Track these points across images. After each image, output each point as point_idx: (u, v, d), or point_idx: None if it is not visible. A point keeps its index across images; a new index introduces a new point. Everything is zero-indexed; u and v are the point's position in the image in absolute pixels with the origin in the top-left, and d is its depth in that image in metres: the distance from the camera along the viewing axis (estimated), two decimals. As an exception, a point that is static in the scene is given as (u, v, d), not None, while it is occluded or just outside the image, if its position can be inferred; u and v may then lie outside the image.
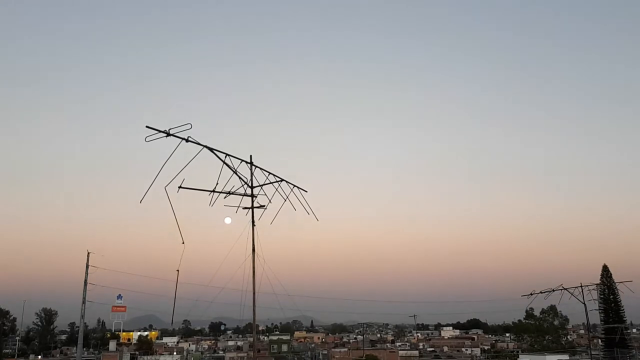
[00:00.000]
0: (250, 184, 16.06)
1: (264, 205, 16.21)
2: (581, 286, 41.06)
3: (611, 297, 49.83)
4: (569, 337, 77.65)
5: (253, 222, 15.96)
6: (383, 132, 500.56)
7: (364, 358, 70.22)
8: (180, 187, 13.74)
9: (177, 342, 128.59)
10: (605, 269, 50.77)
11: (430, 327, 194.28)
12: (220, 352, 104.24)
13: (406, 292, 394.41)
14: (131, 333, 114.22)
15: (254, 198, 16.14)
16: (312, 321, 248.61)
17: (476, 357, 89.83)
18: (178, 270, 14.54)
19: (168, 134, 12.64)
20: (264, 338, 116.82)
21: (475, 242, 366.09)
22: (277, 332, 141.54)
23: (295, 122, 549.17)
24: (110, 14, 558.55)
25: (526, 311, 68.87)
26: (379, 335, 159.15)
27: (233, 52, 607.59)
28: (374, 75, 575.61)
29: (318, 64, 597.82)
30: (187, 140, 13.05)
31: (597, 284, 45.01)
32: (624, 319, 50.89)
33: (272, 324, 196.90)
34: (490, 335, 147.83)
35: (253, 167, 15.98)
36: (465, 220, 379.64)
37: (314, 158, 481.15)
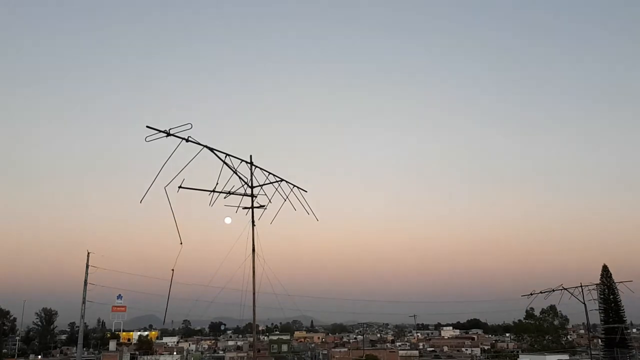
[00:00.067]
0: (250, 184, 16.06)
1: (264, 205, 16.22)
2: (581, 286, 41.06)
3: (611, 297, 49.82)
4: (569, 337, 77.65)
5: (253, 222, 15.96)
6: (383, 132, 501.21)
7: (364, 358, 70.23)
8: (180, 187, 13.74)
9: (177, 342, 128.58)
10: (605, 269, 50.77)
11: (430, 327, 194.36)
12: (220, 352, 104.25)
13: (406, 292, 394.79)
14: (131, 333, 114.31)
15: (254, 198, 16.14)
16: (312, 321, 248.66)
17: (476, 357, 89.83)
18: (173, 270, 14.51)
19: (168, 134, 12.64)
20: (264, 338, 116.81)
21: (475, 242, 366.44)
22: (277, 332, 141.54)
23: (295, 122, 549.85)
24: (110, 14, 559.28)
25: (526, 311, 68.96)
26: (379, 335, 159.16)
27: (233, 52, 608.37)
28: (374, 75, 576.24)
29: (318, 64, 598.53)
30: (187, 140, 13.04)
31: (597, 284, 44.98)
32: (624, 319, 50.87)
33: (272, 324, 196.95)
34: (490, 335, 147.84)
35: (253, 167, 15.98)
36: (465, 220, 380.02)
37: (314, 158, 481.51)
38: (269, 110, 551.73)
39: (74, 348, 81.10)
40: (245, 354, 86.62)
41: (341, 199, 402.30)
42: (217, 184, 14.95)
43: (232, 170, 15.09)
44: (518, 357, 58.78)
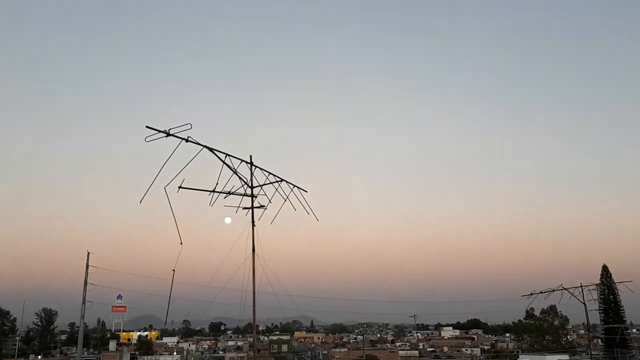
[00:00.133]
0: (250, 184, 16.07)
1: (264, 205, 16.24)
2: (581, 286, 41.08)
3: (611, 297, 49.83)
4: (569, 337, 77.68)
5: (253, 222, 15.97)
6: (383, 132, 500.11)
7: (364, 358, 70.24)
8: (180, 187, 13.76)
9: (177, 342, 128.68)
10: (605, 269, 50.80)
11: (430, 327, 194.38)
12: (220, 352, 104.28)
13: (406, 292, 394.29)
14: (131, 333, 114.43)
15: (254, 198, 16.16)
16: (312, 321, 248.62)
17: (476, 357, 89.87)
18: (174, 270, 14.55)
19: (168, 134, 12.65)
20: (264, 338, 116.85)
21: (475, 242, 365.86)
22: (277, 332, 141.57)
23: (295, 122, 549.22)
24: (110, 14, 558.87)
25: (526, 311, 68.96)
26: (379, 335, 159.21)
27: (233, 52, 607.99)
28: (374, 75, 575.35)
29: (318, 64, 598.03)
30: (187, 140, 13.06)
31: (597, 284, 45.01)
32: (624, 319, 50.88)
33: (272, 324, 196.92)
34: (490, 335, 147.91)
35: (253, 167, 16.00)
36: (465, 220, 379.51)
37: (314, 158, 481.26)
38: (269, 110, 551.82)
39: (74, 348, 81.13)
40: (245, 354, 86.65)
41: (341, 199, 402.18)
42: (217, 184, 14.99)
43: (232, 171, 15.12)
44: (518, 357, 58.76)
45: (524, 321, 72.52)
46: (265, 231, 15.96)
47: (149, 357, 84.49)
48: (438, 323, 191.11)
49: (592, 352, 48.40)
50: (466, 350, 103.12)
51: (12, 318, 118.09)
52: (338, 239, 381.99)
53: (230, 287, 16.56)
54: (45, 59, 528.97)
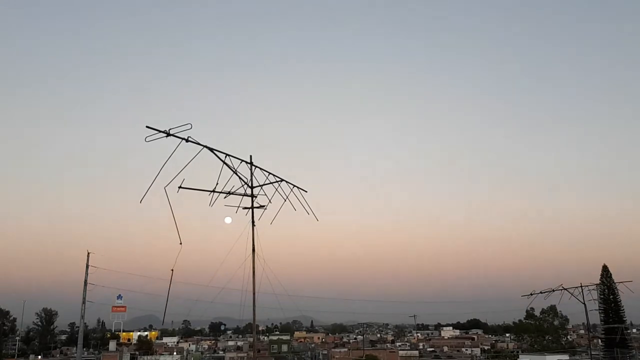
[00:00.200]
0: (250, 184, 16.07)
1: (264, 205, 16.23)
2: (581, 286, 41.09)
3: (611, 297, 49.85)
4: (569, 337, 77.68)
5: (253, 222, 15.97)
6: (383, 132, 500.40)
7: (364, 358, 70.23)
8: (180, 187, 13.75)
9: (177, 342, 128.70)
10: (605, 269, 50.83)
11: (430, 327, 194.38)
12: (220, 352, 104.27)
13: (406, 292, 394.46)
14: (131, 333, 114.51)
15: (254, 198, 16.16)
16: (312, 321, 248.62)
17: (476, 357, 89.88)
18: (172, 270, 14.54)
19: (168, 134, 12.65)
20: (264, 338, 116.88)
21: (475, 242, 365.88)
22: (277, 332, 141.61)
23: (296, 122, 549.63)
24: (110, 14, 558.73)
25: (526, 311, 68.97)
26: (379, 335, 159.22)
27: (233, 52, 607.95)
28: (375, 75, 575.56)
29: (318, 64, 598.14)
30: (187, 140, 13.06)
31: (597, 284, 45.05)
32: (624, 319, 50.92)
33: (272, 324, 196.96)
34: (490, 335, 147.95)
35: (253, 167, 15.99)
36: (465, 220, 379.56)
37: (314, 158, 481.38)
38: (269, 110, 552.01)
39: (74, 348, 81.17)
40: (245, 354, 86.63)
41: (341, 199, 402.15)
42: (217, 184, 14.98)
43: (232, 171, 15.12)
44: (518, 357, 58.78)
45: (524, 321, 72.55)
46: (265, 231, 15.98)
47: (149, 357, 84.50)
48: (438, 323, 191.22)
49: (592, 352, 48.39)
50: (466, 350, 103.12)
51: (12, 318, 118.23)
52: (338, 239, 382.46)
53: (230, 287, 16.57)
54: (45, 59, 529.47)
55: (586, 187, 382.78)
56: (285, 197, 16.28)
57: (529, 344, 69.66)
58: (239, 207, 16.05)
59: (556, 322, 69.80)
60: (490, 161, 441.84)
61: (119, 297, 77.51)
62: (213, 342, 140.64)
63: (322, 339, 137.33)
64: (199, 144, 13.45)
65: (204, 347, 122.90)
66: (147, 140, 12.39)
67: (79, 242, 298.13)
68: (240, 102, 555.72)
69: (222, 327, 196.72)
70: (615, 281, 49.17)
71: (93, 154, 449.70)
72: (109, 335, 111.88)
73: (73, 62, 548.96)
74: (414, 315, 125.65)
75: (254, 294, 15.36)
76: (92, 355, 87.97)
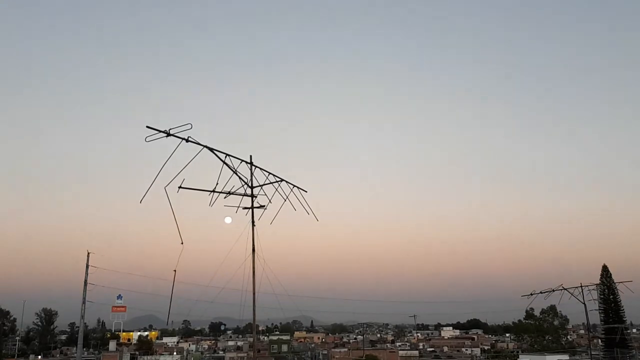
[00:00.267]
0: (250, 184, 16.07)
1: (264, 205, 16.23)
2: (581, 286, 41.08)
3: (611, 297, 49.83)
4: (569, 337, 77.66)
5: (253, 222, 15.97)
6: (383, 132, 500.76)
7: (364, 358, 70.21)
8: (180, 187, 13.75)
9: (177, 342, 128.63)
10: (605, 269, 50.80)
11: (430, 327, 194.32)
12: (220, 352, 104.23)
13: (406, 292, 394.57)
14: (131, 333, 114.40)
15: (254, 198, 16.16)
16: (312, 321, 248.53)
17: (476, 357, 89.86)
18: (175, 271, 14.56)
19: (168, 134, 12.65)
20: (264, 338, 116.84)
21: (475, 242, 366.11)
22: (277, 332, 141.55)
23: (296, 122, 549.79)
24: (110, 14, 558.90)
25: (526, 311, 68.95)
26: (379, 335, 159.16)
27: (233, 52, 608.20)
28: (375, 75, 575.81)
29: (318, 64, 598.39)
30: (187, 140, 13.06)
31: (597, 284, 45.05)
32: (624, 319, 50.90)
33: (272, 324, 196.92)
34: (490, 335, 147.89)
35: (253, 167, 15.99)
36: (465, 220, 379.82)
37: (314, 158, 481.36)
38: (269, 110, 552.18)
39: (74, 348, 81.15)
40: (245, 354, 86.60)
41: (341, 199, 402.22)
42: (217, 184, 14.98)
43: (232, 171, 15.11)
44: (518, 357, 58.77)
45: (524, 321, 72.50)
46: (265, 231, 15.98)
47: (149, 357, 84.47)
48: (438, 323, 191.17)
49: (592, 352, 48.39)
50: (466, 350, 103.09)
51: (12, 318, 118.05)
52: (338, 239, 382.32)
53: (230, 287, 16.57)
54: (46, 59, 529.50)
55: (586, 187, 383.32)
56: (285, 197, 16.29)
57: (529, 344, 69.63)
58: (239, 207, 16.06)
59: (556, 322, 69.78)
60: (491, 161, 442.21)
61: (119, 297, 77.50)
62: (213, 342, 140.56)
63: (322, 339, 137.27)
64: (199, 144, 13.45)
65: (204, 347, 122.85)
66: (147, 140, 12.40)
67: (79, 242, 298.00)
68: (240, 102, 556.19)
69: (222, 327, 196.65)
70: (615, 281, 49.20)
71: (93, 154, 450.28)
72: (109, 335, 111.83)
73: (73, 62, 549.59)
74: (414, 315, 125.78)
75: (254, 294, 15.36)
76: (92, 355, 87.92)
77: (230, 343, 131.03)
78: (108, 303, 76.39)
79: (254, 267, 15.50)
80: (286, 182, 16.33)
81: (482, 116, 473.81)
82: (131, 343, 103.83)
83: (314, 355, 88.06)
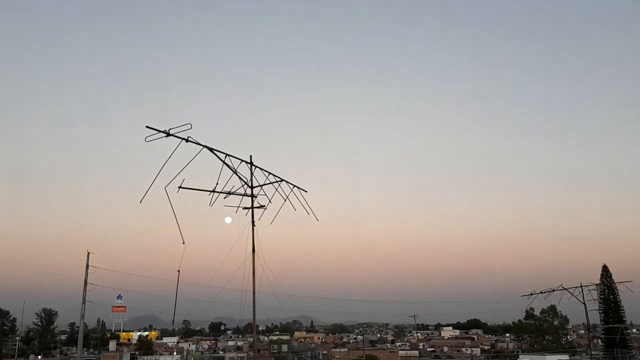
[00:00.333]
0: (250, 184, 16.07)
1: (264, 205, 16.24)
2: (581, 286, 41.08)
3: (611, 297, 49.84)
4: (569, 337, 77.70)
5: (253, 222, 15.97)
6: (383, 132, 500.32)
7: (364, 358, 70.22)
8: (180, 187, 13.76)
9: (177, 342, 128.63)
10: (605, 269, 50.81)
11: (430, 327, 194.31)
12: (220, 352, 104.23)
13: (406, 292, 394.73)
14: (131, 333, 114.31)
15: (254, 198, 16.16)
16: (312, 321, 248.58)
17: (476, 357, 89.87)
18: (179, 271, 14.59)
19: (168, 134, 12.66)
20: (264, 338, 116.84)
21: (475, 242, 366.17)
22: (277, 332, 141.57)
23: (296, 122, 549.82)
24: (110, 14, 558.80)
25: (526, 311, 69.00)
26: (379, 335, 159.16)
27: (233, 52, 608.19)
28: (374, 74, 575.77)
29: (318, 64, 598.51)
30: (187, 140, 13.06)
31: (597, 284, 45.05)
32: (624, 319, 50.90)
33: (272, 324, 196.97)
34: (490, 335, 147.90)
35: (253, 167, 16.00)
36: (465, 220, 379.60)
37: (314, 158, 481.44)
38: (269, 110, 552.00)
39: (74, 348, 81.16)
40: (245, 354, 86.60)
41: (341, 199, 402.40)
42: (217, 184, 14.99)
43: (232, 171, 15.12)
44: (518, 357, 58.78)
45: (524, 321, 72.53)
46: (265, 231, 15.98)
47: (149, 357, 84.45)
48: (438, 323, 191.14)
49: (592, 352, 48.41)
50: (466, 350, 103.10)
51: (12, 318, 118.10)
52: (338, 239, 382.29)
53: (230, 287, 16.58)
54: (45, 59, 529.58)
55: (586, 187, 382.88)
56: (285, 197, 16.30)
57: (529, 344, 69.65)
58: (239, 207, 16.07)
59: (556, 322, 69.80)
60: (490, 161, 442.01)
61: (119, 297, 77.40)
62: (213, 342, 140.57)
63: (322, 339, 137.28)
64: (199, 144, 13.45)
65: (204, 347, 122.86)
66: (147, 140, 12.41)
67: (79, 242, 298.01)
68: (240, 102, 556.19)
69: (222, 327, 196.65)
70: (615, 281, 49.21)
71: (93, 153, 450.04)
72: (109, 335, 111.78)
73: (73, 62, 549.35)
74: (414, 315, 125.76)
75: (254, 294, 15.36)
76: (92, 355, 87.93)
77: (230, 343, 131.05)
78: (108, 303, 76.35)
79: (254, 267, 15.50)
80: (286, 182, 16.34)
81: (482, 116, 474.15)
82: (131, 343, 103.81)
83: (314, 355, 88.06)
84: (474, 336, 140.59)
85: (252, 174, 16.03)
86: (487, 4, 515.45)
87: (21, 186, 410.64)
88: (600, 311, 49.03)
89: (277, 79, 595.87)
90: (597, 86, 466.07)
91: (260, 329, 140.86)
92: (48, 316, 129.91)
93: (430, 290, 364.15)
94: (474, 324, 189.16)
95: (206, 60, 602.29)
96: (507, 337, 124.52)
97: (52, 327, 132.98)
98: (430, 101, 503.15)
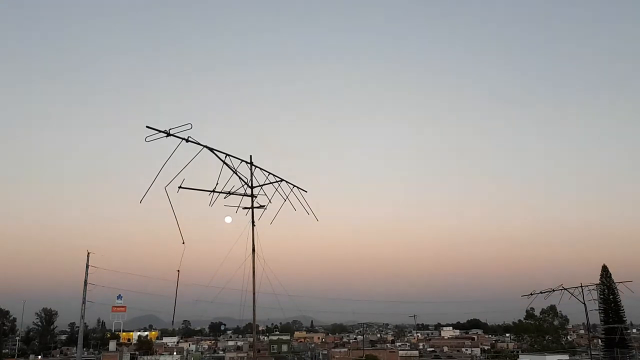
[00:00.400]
0: (250, 184, 16.07)
1: (264, 205, 16.23)
2: (581, 286, 41.07)
3: (611, 297, 49.84)
4: (569, 337, 77.73)
5: (253, 222, 15.96)
6: (383, 132, 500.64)
7: (364, 358, 70.22)
8: (180, 187, 13.75)
9: (177, 342, 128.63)
10: (604, 269, 50.80)
11: (430, 327, 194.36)
12: (220, 352, 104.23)
13: (406, 292, 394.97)
14: (131, 333, 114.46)
15: (254, 198, 16.16)
16: (312, 321, 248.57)
17: (476, 357, 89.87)
18: (179, 271, 14.59)
19: (168, 134, 12.65)
20: (264, 338, 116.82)
21: (475, 242, 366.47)
22: (277, 332, 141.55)
23: (295, 122, 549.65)
24: (110, 14, 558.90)
25: (526, 311, 68.98)
26: (379, 335, 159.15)
27: (233, 51, 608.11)
28: (374, 74, 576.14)
29: (317, 64, 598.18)
30: (187, 140, 13.06)
31: (597, 284, 45.06)
32: (624, 319, 50.89)
33: (272, 324, 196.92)
34: (490, 335, 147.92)
35: (253, 167, 15.99)
36: (465, 220, 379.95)
37: (314, 158, 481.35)
38: (269, 110, 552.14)
39: (74, 348, 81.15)
40: (245, 354, 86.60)
41: (341, 199, 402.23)
42: (217, 184, 14.98)
43: (232, 171, 15.11)
44: (518, 357, 58.79)
45: (524, 321, 72.53)
46: (265, 231, 15.98)
47: (149, 357, 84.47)
48: (438, 323, 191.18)
49: (592, 352, 48.40)
50: (466, 350, 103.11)
51: (12, 318, 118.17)
52: (338, 239, 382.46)
53: (230, 287, 16.58)
54: (45, 59, 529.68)
55: (586, 187, 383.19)
56: (285, 197, 16.29)
57: (529, 344, 69.65)
58: (239, 207, 16.06)
59: (556, 322, 69.81)
60: (491, 162, 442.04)
61: (119, 297, 77.59)
62: (213, 342, 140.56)
63: (322, 339, 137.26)
64: (199, 144, 13.45)
65: (204, 347, 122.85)
66: (147, 140, 12.41)
67: (79, 242, 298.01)
68: (240, 102, 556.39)
69: (222, 327, 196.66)
70: (615, 281, 49.18)
71: (93, 153, 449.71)
72: (109, 335, 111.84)
73: (74, 62, 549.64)
74: (414, 315, 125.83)
75: (254, 294, 15.36)
76: (92, 355, 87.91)
77: (230, 343, 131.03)
78: (108, 303, 76.53)
79: (254, 267, 15.50)
80: (286, 182, 16.34)
81: (482, 115, 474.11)
82: (131, 343, 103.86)
83: (314, 355, 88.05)
84: (474, 336, 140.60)
85: (252, 174, 16.03)
86: (488, 4, 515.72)
87: (21, 186, 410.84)
88: (600, 311, 49.03)
89: (278, 79, 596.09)
90: (597, 86, 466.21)
91: (260, 329, 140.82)
92: (48, 316, 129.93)
93: (430, 290, 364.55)
94: (474, 324, 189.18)
95: (206, 60, 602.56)
96: (507, 337, 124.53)
97: (52, 327, 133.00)
98: (431, 101, 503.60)
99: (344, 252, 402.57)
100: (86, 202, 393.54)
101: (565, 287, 41.47)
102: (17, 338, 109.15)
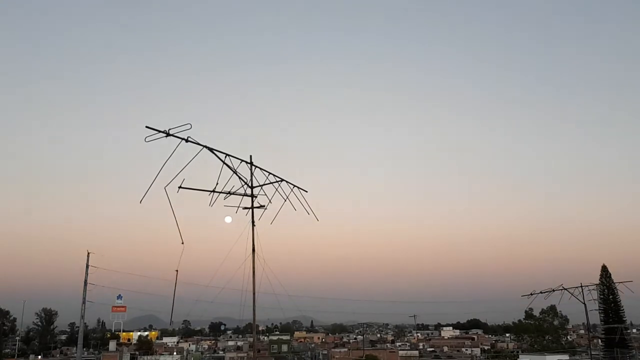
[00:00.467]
0: (250, 184, 16.06)
1: (264, 205, 16.22)
2: (581, 286, 41.07)
3: (611, 297, 49.84)
4: (569, 337, 77.69)
5: (253, 222, 15.96)
6: (383, 132, 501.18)
7: (364, 358, 70.22)
8: (180, 187, 13.74)
9: (177, 342, 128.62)
10: (604, 269, 50.81)
11: (430, 327, 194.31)
12: (220, 352, 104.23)
13: (406, 292, 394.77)
14: (131, 333, 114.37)
15: (254, 198, 16.15)
16: (312, 321, 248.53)
17: (476, 357, 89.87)
18: (177, 271, 14.59)
19: (168, 134, 12.64)
20: (264, 338, 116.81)
21: (475, 242, 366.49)
22: (277, 332, 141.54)
23: (296, 122, 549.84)
24: (110, 14, 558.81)
25: (526, 311, 68.96)
26: (379, 335, 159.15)
27: (233, 52, 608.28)
28: (374, 74, 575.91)
29: (318, 64, 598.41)
30: (187, 140, 13.05)
31: (597, 284, 45.10)
32: (624, 319, 50.90)
33: (272, 324, 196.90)
34: (490, 335, 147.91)
35: (253, 167, 15.98)
36: (465, 220, 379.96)
37: (314, 158, 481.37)
38: (269, 110, 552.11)
39: (74, 348, 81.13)
40: (245, 354, 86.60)
41: (341, 199, 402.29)
42: (217, 184, 14.97)
43: (232, 171, 15.10)
44: (518, 357, 58.79)
45: (523, 321, 72.50)
46: (265, 231, 15.98)
47: (149, 357, 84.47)
48: (438, 323, 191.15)
49: (592, 352, 48.40)
50: (466, 350, 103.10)
51: (12, 318, 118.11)
52: (338, 239, 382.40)
53: (230, 287, 16.57)
54: (45, 59, 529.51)
55: (586, 187, 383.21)
56: (285, 197, 16.28)
57: (529, 344, 69.64)
58: (239, 207, 16.05)
59: (556, 322, 69.79)
60: (491, 162, 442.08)
61: (119, 297, 77.41)
62: (213, 342, 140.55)
63: (322, 339, 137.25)
64: (199, 144, 13.44)
65: (204, 347, 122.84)
66: (147, 140, 12.40)
67: (79, 242, 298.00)
68: (240, 102, 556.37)
69: (222, 327, 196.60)
70: (615, 281, 49.20)
71: (93, 154, 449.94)
72: (109, 335, 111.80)
73: (74, 62, 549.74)
74: (414, 315, 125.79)
75: (254, 294, 15.35)
76: (92, 355, 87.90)
77: (230, 343, 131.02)
78: (108, 303, 76.33)
79: (254, 267, 15.50)
80: (286, 182, 16.32)
81: (482, 116, 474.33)
82: (131, 343, 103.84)
83: (314, 355, 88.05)
84: (474, 336, 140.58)
85: (252, 174, 16.01)
86: (489, 4, 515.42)
87: (21, 186, 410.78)
88: (600, 311, 49.04)
89: (278, 79, 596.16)
90: (597, 87, 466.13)
91: (260, 329, 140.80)
92: (48, 316, 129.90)
93: (430, 290, 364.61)
94: (474, 324, 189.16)
95: (206, 60, 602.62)
96: (507, 337, 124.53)
97: (52, 327, 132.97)
98: (431, 101, 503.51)
99: (344, 252, 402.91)
100: (86, 202, 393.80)
101: (565, 287, 41.50)
102: (17, 338, 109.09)
